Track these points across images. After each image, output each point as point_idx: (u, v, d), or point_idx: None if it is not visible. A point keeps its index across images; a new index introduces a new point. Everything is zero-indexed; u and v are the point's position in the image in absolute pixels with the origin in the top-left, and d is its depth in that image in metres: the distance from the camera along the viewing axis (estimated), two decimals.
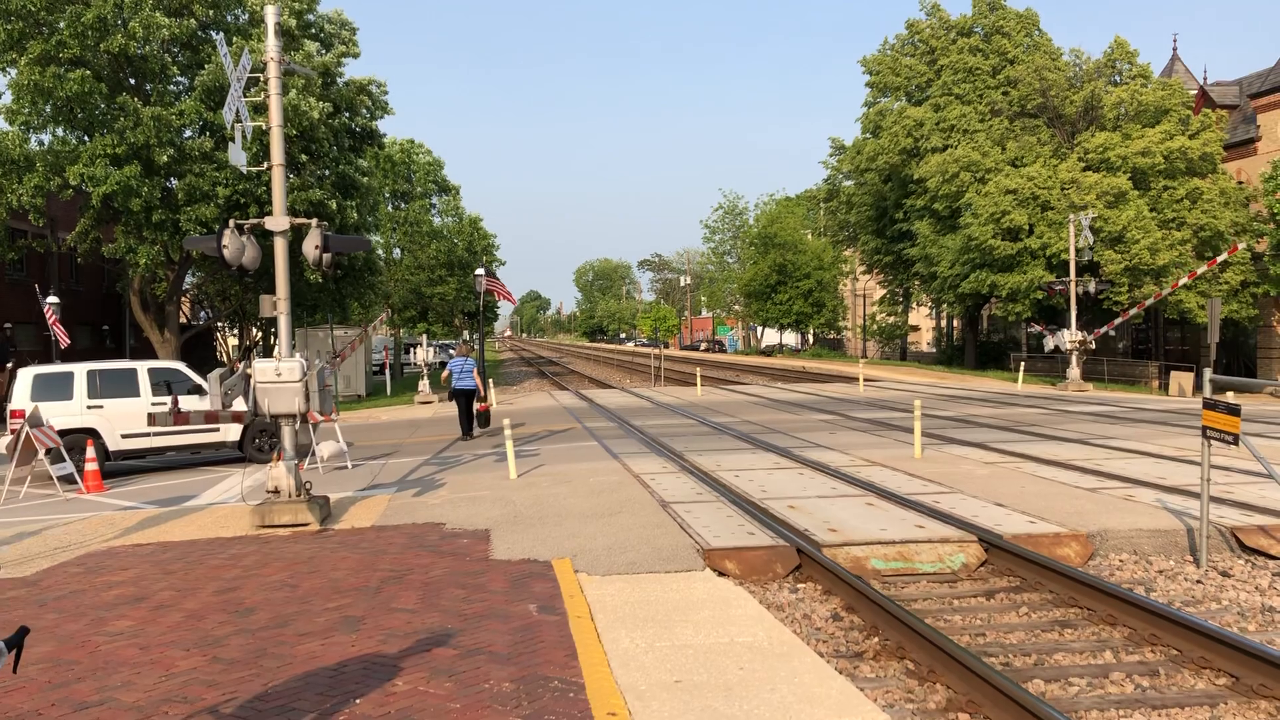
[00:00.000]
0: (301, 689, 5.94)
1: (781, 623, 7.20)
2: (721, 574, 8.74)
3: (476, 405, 21.88)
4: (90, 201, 27.53)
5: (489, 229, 61.62)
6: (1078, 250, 35.46)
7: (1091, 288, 35.83)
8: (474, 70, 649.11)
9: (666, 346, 77.68)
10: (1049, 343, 36.19)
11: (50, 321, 26.39)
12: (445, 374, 22.59)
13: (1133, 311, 35.76)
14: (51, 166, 26.90)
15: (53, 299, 27.89)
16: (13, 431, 15.87)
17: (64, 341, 27.05)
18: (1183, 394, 33.32)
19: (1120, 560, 9.31)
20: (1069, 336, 34.44)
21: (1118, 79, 45.49)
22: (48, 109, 27.09)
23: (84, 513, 13.54)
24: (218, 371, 11.41)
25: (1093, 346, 35.64)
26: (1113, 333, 38.22)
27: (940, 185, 45.50)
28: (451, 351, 22.67)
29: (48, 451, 15.31)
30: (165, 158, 26.81)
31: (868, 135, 55.89)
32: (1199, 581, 8.58)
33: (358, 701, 5.69)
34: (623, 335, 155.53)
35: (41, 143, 28.17)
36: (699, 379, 36.78)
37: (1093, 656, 6.82)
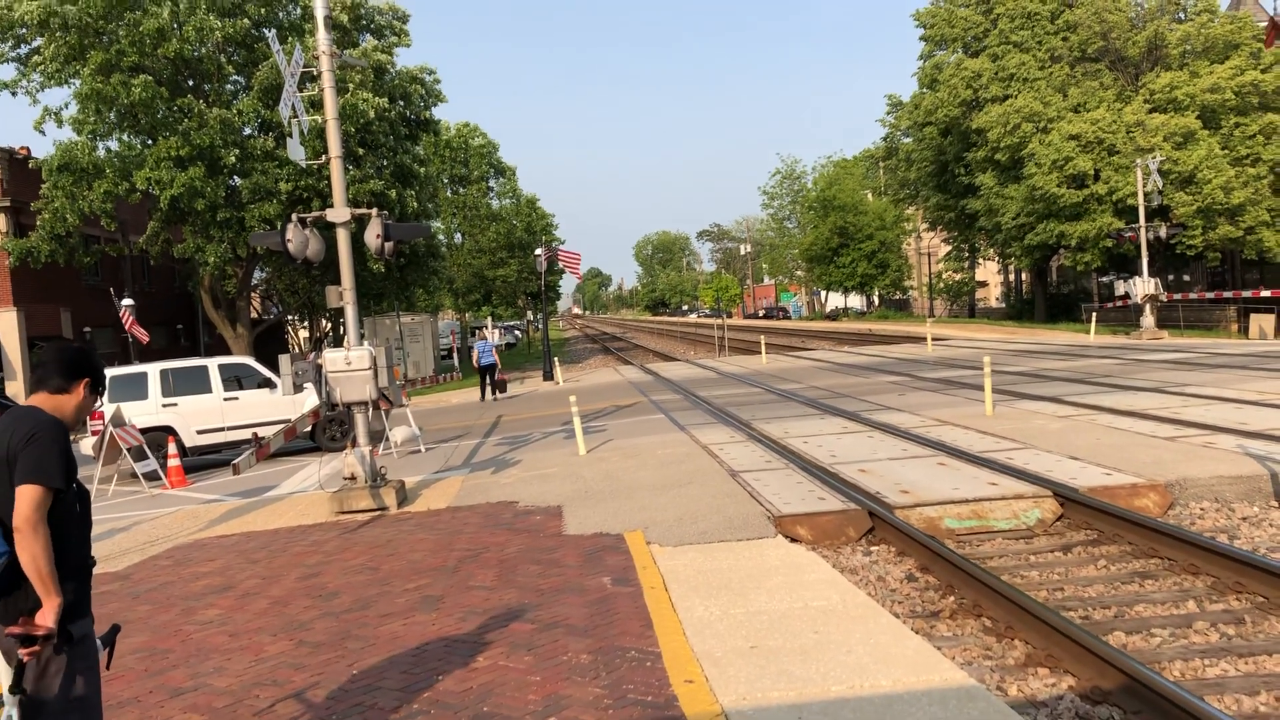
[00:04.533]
0: (386, 668, 6.09)
1: (855, 585, 7.18)
2: (793, 540, 8.74)
3: (497, 375, 27.86)
4: (159, 204, 28.16)
5: (546, 209, 61.90)
6: (1146, 194, 34.53)
7: (1163, 233, 34.88)
8: (523, 46, 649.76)
9: (729, 316, 77.37)
10: (1119, 288, 35.32)
11: (128, 324, 27.07)
12: (475, 354, 28.81)
13: (1264, 294, 34.19)
14: (119, 171, 27.55)
15: (128, 301, 28.60)
16: (94, 433, 16.39)
17: (143, 339, 27.76)
18: (1264, 336, 32.35)
19: (1201, 509, 9.12)
20: (1141, 288, 33.54)
21: (1182, 16, 44.05)
22: (111, 116, 27.73)
23: (169, 507, 13.97)
24: (290, 354, 11.69)
25: (1164, 299, 34.71)
26: (1188, 278, 37.10)
27: (1001, 136, 44.55)
28: (485, 333, 29.62)
29: (130, 450, 15.79)
30: (231, 158, 27.34)
31: (925, 90, 54.89)
32: None
33: (440, 679, 5.81)
34: (685, 307, 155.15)
35: (109, 149, 28.85)
36: (763, 347, 36.61)
37: (1175, 607, 6.70)
